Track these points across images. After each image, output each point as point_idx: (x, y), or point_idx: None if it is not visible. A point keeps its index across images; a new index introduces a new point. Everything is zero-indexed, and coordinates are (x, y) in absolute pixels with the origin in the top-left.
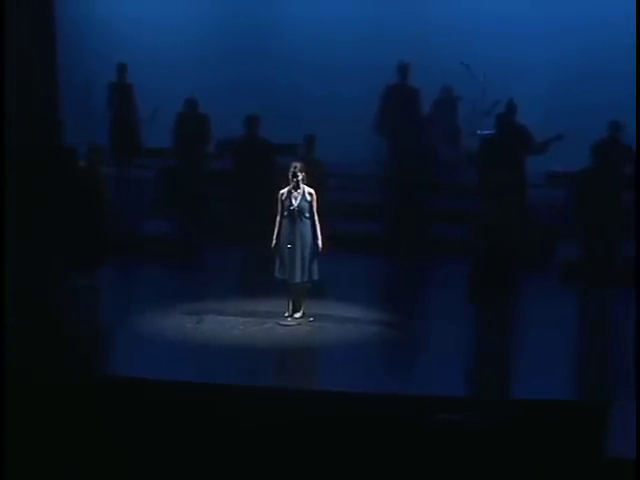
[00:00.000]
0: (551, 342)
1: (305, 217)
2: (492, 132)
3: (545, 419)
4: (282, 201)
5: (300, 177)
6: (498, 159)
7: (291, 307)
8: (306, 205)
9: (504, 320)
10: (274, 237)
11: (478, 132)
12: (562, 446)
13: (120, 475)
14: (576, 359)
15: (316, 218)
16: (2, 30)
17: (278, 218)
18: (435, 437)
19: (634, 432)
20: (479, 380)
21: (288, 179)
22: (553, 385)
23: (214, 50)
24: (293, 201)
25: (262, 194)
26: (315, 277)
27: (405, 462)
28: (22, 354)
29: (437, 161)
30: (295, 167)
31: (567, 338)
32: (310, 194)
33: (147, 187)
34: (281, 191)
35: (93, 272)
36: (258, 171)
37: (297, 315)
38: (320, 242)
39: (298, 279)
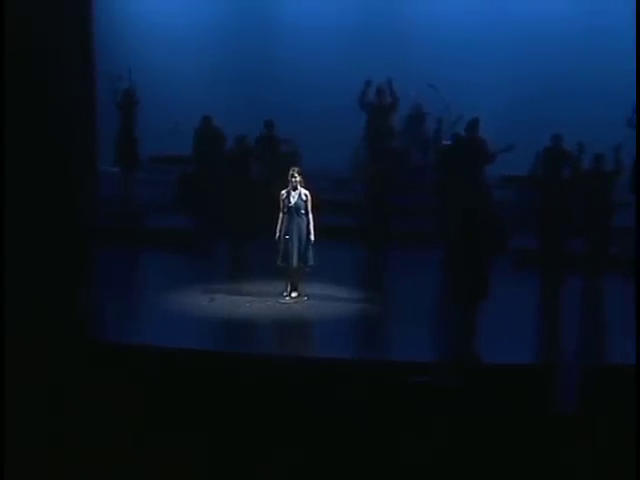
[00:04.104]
0: (508, 314)
1: (301, 213)
2: (455, 143)
3: (501, 379)
4: (282, 200)
5: (298, 179)
6: (459, 165)
7: (289, 288)
8: (302, 203)
9: (469, 297)
10: (277, 230)
11: (444, 142)
12: (515, 401)
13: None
14: (530, 329)
15: (310, 215)
16: (3, 30)
17: (281, 215)
18: (409, 395)
19: (575, 391)
20: (447, 347)
21: (288, 182)
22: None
23: (223, 72)
24: (291, 200)
25: (260, 194)
26: (310, 263)
27: (383, 416)
28: (57, 321)
29: (408, 166)
30: (293, 171)
31: (520, 311)
32: (305, 194)
33: (169, 189)
34: (282, 192)
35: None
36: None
37: (294, 294)
38: (313, 235)
39: (295, 264)
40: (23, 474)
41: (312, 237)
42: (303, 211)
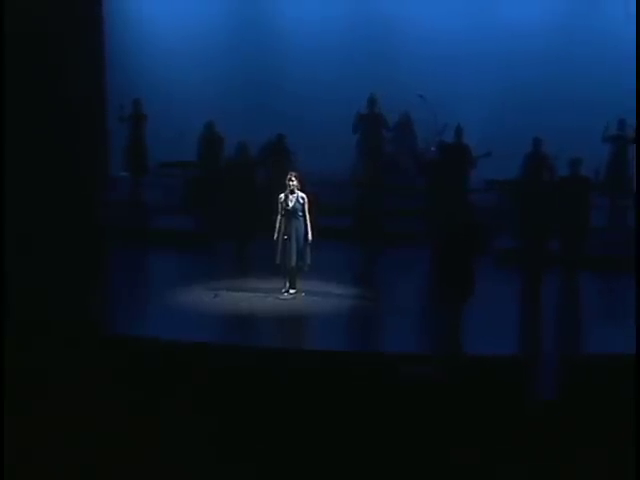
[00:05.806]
0: (492, 309)
1: (299, 215)
2: (441, 149)
3: (487, 370)
4: (281, 203)
5: (295, 183)
6: (445, 170)
7: (287, 285)
8: (299, 206)
9: (456, 293)
10: (275, 231)
11: (432, 149)
12: (501, 389)
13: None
14: (512, 324)
15: (307, 217)
16: (3, 30)
17: (279, 217)
18: (401, 385)
19: (554, 379)
20: (436, 338)
21: (286, 185)
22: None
23: (229, 81)
24: (289, 203)
25: (261, 197)
26: (307, 261)
27: (377, 405)
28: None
29: (399, 171)
30: (291, 175)
31: (501, 307)
32: (302, 198)
33: (176, 192)
34: (280, 195)
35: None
36: (251, 180)
37: (292, 291)
38: (310, 235)
39: (293, 263)
40: (24, 474)
41: (309, 237)
42: (300, 213)
